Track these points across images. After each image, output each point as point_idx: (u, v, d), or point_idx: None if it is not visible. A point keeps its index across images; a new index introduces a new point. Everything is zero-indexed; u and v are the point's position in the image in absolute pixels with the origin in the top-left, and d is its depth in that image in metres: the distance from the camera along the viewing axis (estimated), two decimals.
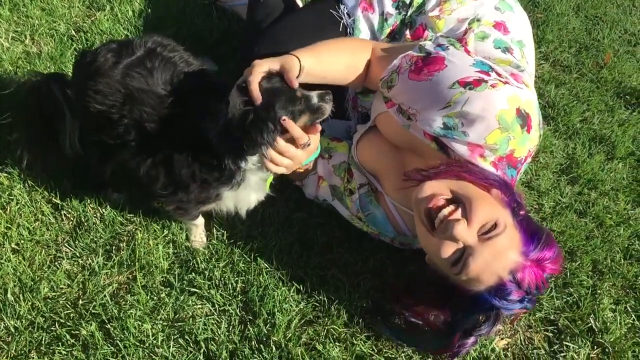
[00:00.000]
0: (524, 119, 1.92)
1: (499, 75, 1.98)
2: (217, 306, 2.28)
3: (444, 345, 2.07)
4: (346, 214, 2.50)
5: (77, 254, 2.39)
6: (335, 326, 2.25)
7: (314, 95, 1.95)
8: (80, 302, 2.24)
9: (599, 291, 2.46)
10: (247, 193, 2.22)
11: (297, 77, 1.95)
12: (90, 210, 2.53)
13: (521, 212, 1.92)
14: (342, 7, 2.61)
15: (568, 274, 2.50)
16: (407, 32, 2.46)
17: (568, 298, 2.43)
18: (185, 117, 2.06)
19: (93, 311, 2.21)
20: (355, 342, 2.21)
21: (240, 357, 2.14)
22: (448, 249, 1.86)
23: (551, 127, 3.22)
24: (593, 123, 3.26)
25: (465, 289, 1.91)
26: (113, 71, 2.13)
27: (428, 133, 2.02)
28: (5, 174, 2.60)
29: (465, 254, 1.83)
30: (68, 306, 2.23)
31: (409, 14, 2.49)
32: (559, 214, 2.76)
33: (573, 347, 2.27)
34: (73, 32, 3.36)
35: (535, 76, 3.38)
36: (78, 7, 3.53)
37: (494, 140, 1.91)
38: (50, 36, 3.32)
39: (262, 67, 1.91)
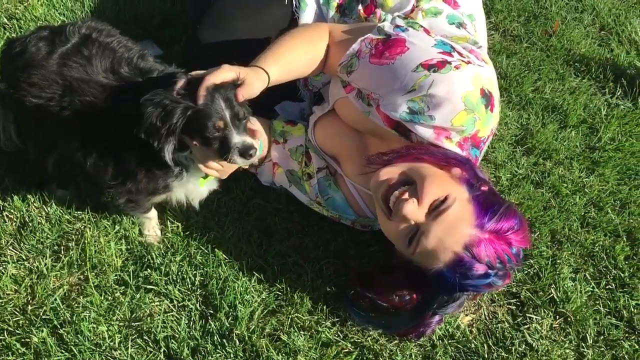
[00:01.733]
0: (487, 98, 1.90)
1: (461, 55, 1.95)
2: (175, 302, 2.20)
3: (412, 325, 2.05)
4: (305, 199, 2.44)
5: (23, 257, 2.27)
6: (299, 314, 2.21)
7: (238, 142, 1.82)
8: (30, 307, 2.13)
9: (558, 261, 2.48)
10: (196, 183, 2.13)
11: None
12: (34, 210, 2.40)
13: (482, 188, 1.90)
14: None
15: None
16: (360, 7, 2.39)
17: (529, 270, 2.45)
18: (128, 105, 1.95)
19: (44, 316, 2.10)
20: (320, 329, 2.17)
21: (203, 354, 2.07)
22: (402, 229, 1.87)
23: (504, 98, 3.21)
24: (545, 92, 3.27)
25: (427, 269, 1.88)
26: (48, 61, 2.01)
27: (390, 119, 1.98)
28: None
29: (418, 232, 1.84)
30: (17, 313, 2.11)
31: None
32: (516, 185, 2.77)
33: (536, 319, 2.29)
34: (5, 19, 3.16)
35: (487, 47, 3.38)
36: None
37: (461, 122, 1.89)
38: None
39: (226, 74, 1.83)
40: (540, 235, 2.56)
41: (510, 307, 2.35)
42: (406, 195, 1.86)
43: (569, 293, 2.36)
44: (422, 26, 2.10)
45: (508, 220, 1.81)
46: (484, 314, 2.31)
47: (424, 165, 1.92)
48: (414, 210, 1.83)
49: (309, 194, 2.42)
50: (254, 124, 2.12)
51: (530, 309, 2.33)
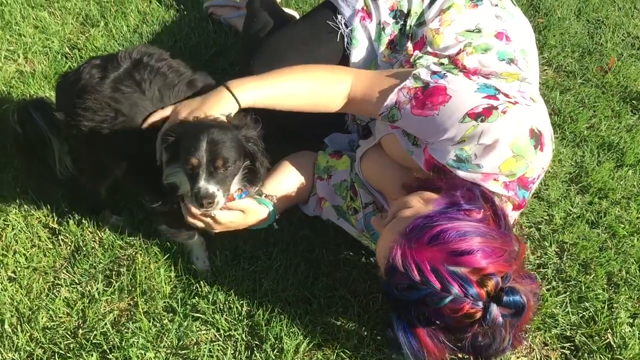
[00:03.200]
0: (537, 138, 1.86)
1: (507, 96, 1.91)
2: (222, 331, 2.20)
3: None
4: (353, 231, 2.42)
5: (76, 281, 2.32)
6: (345, 349, 2.18)
7: (200, 187, 1.80)
8: (81, 331, 2.16)
9: (615, 305, 2.39)
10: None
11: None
12: (88, 234, 2.46)
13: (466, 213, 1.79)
14: (339, 17, 2.54)
15: (583, 288, 2.42)
16: (409, 43, 2.39)
17: (584, 313, 2.36)
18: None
19: (94, 341, 2.13)
20: None
21: None
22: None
23: (558, 134, 3.15)
24: (600, 130, 3.19)
25: None
26: (101, 86, 2.08)
27: (430, 162, 1.97)
28: (0, 199, 2.52)
29: None
30: (68, 336, 2.15)
31: (408, 23, 2.41)
32: (570, 224, 2.69)
33: None
34: (67, 49, 3.30)
35: (540, 82, 3.33)
36: (72, 23, 3.47)
37: (509, 168, 1.86)
38: (44, 54, 3.25)
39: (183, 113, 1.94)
40: (595, 278, 2.47)
41: (564, 351, 2.26)
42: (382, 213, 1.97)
43: (626, 339, 2.26)
44: (461, 71, 2.07)
45: (450, 236, 1.66)
46: (536, 358, 2.23)
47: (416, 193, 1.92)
48: (376, 220, 1.95)
49: (355, 227, 2.40)
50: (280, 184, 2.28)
51: (585, 354, 2.23)
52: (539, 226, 2.68)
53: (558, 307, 2.35)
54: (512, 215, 1.99)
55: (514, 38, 2.30)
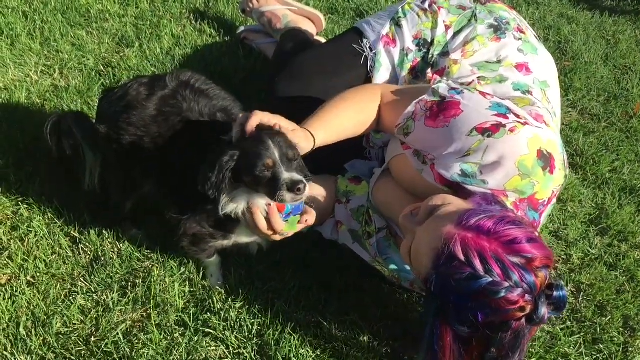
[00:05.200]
0: (546, 160, 1.88)
1: (517, 116, 1.94)
2: (231, 348, 2.21)
3: None
4: (367, 257, 2.43)
5: (92, 289, 2.35)
6: None
7: (287, 178, 1.83)
8: (93, 339, 2.19)
9: (630, 349, 2.35)
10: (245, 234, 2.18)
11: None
12: (107, 245, 2.50)
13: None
14: (364, 41, 2.61)
15: (598, 329, 2.39)
16: (429, 70, 2.45)
17: (598, 355, 2.32)
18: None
19: (105, 349, 2.15)
20: None
21: None
22: (404, 244, 1.89)
23: (579, 176, 3.14)
24: (623, 173, 3.18)
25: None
26: (147, 103, 2.16)
27: (442, 177, 1.98)
28: (25, 206, 2.59)
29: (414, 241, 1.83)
30: (80, 343, 2.18)
31: (431, 52, 2.47)
32: (588, 265, 2.66)
33: None
34: (102, 67, 3.41)
35: (563, 123, 3.34)
36: (108, 43, 3.59)
37: (514, 186, 1.88)
38: (79, 71, 3.37)
39: (279, 121, 1.96)
40: (612, 320, 2.43)
41: None
42: (411, 211, 1.93)
43: None
44: (477, 90, 2.11)
45: (502, 226, 1.66)
46: None
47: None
48: (405, 218, 1.90)
49: (369, 252, 2.41)
50: (313, 188, 2.20)
51: None
52: (556, 265, 2.66)
53: (572, 348, 2.32)
54: None
55: (535, 70, 2.33)
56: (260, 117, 1.94)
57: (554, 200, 2.04)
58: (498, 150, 1.85)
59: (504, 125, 1.87)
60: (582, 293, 2.54)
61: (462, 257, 1.61)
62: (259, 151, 1.84)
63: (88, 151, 2.40)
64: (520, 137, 1.86)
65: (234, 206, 1.97)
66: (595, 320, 2.43)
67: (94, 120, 2.42)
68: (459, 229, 1.66)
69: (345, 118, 2.22)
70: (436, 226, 1.73)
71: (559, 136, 2.06)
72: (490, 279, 1.58)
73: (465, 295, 1.62)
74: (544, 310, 1.59)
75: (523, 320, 1.61)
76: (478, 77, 2.26)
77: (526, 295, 1.58)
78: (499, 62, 2.32)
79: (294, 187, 1.81)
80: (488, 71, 2.30)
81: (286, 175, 1.84)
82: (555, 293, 1.62)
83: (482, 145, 1.87)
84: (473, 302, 1.62)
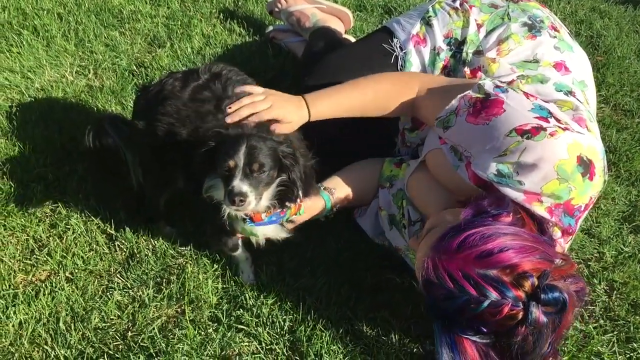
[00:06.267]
0: (586, 166, 1.85)
1: (558, 120, 1.92)
2: (264, 344, 2.24)
3: None
4: (402, 244, 2.43)
5: (129, 285, 2.41)
6: None
7: (234, 185, 1.87)
8: (130, 334, 2.25)
9: None
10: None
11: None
12: (142, 242, 2.56)
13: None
14: (394, 40, 2.62)
15: (632, 328, 2.36)
16: (467, 69, 2.43)
17: (631, 354, 2.29)
18: None
19: (141, 344, 2.21)
20: None
21: None
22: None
23: (612, 173, 3.10)
24: None
25: None
26: (182, 93, 2.22)
27: (477, 177, 1.97)
28: (63, 204, 2.66)
29: None
30: (117, 337, 2.24)
31: (464, 50, 2.46)
32: (621, 263, 2.63)
33: None
34: (134, 67, 3.47)
35: (597, 119, 3.30)
36: (140, 43, 3.66)
37: (552, 190, 1.85)
38: (113, 71, 3.44)
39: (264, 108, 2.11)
40: None
41: None
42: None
43: None
44: (522, 91, 2.09)
45: (472, 240, 1.67)
46: None
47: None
48: (412, 240, 2.04)
49: (405, 240, 2.43)
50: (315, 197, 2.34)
51: None
52: (589, 263, 2.63)
53: (605, 346, 2.30)
54: (561, 243, 1.98)
55: (573, 69, 2.31)
56: (245, 113, 2.06)
57: (591, 206, 2.02)
58: (536, 153, 1.84)
59: (545, 129, 1.85)
60: (615, 291, 2.52)
61: (435, 280, 1.68)
62: (228, 150, 1.89)
63: (128, 152, 2.47)
64: (560, 142, 1.84)
65: (215, 192, 2.04)
66: (629, 319, 2.40)
67: (131, 118, 2.48)
68: (432, 253, 1.72)
69: (358, 97, 2.28)
70: (421, 252, 1.83)
71: (600, 141, 2.03)
72: (466, 297, 1.63)
73: (453, 313, 1.68)
74: (536, 314, 1.61)
75: (521, 327, 1.63)
76: (518, 76, 2.24)
77: (511, 304, 1.61)
78: (536, 61, 2.30)
79: (231, 196, 1.85)
80: (527, 70, 2.28)
81: (235, 182, 1.87)
82: (544, 296, 1.61)
83: (520, 146, 1.86)
84: (462, 318, 1.68)
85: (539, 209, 1.89)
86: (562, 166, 1.82)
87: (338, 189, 2.48)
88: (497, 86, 2.08)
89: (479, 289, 1.62)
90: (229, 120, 2.07)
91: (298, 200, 2.07)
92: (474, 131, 2.00)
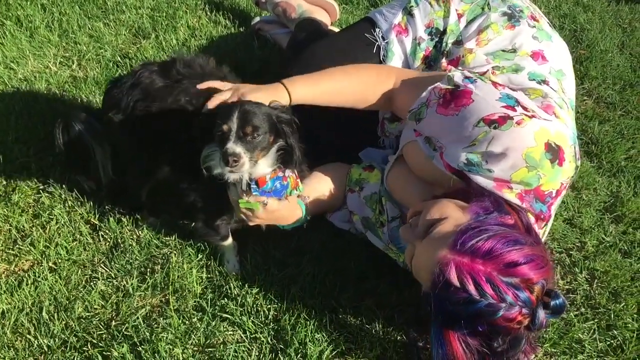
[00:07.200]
0: (554, 152, 1.87)
1: (525, 108, 1.94)
2: (248, 333, 2.25)
3: None
4: (380, 244, 2.46)
5: (112, 275, 2.41)
6: (368, 359, 2.20)
7: (228, 147, 1.91)
8: (113, 323, 2.24)
9: None
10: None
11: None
12: (127, 232, 2.55)
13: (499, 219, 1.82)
14: (377, 30, 2.63)
15: (612, 316, 2.40)
16: (444, 60, 2.45)
17: (612, 341, 2.33)
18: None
19: (125, 333, 2.20)
20: None
21: None
22: (407, 254, 1.91)
23: (594, 164, 3.14)
24: (638, 161, 3.17)
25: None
26: (159, 84, 2.27)
27: (449, 166, 1.99)
28: (47, 194, 2.65)
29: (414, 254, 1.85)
30: (101, 327, 2.23)
31: (444, 40, 2.48)
32: (602, 252, 2.67)
33: None
34: (119, 58, 3.45)
35: (579, 112, 3.34)
36: (124, 34, 3.64)
37: (521, 177, 1.88)
38: (97, 62, 3.42)
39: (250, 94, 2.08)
40: (626, 307, 2.44)
41: None
42: (410, 221, 1.95)
43: None
44: (490, 80, 2.11)
45: (499, 247, 1.67)
46: None
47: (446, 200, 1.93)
48: (406, 230, 1.93)
49: (382, 240, 2.44)
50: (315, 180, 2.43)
51: None
52: (570, 252, 2.67)
53: (585, 334, 2.33)
54: (535, 229, 1.99)
55: (551, 58, 2.33)
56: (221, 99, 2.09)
57: (564, 192, 2.04)
58: (504, 142, 1.86)
59: (511, 118, 1.88)
60: (596, 280, 2.55)
61: (457, 284, 1.64)
62: (223, 115, 1.94)
63: (97, 146, 2.44)
64: (526, 130, 1.86)
65: (212, 163, 2.05)
66: (610, 307, 2.44)
67: (103, 112, 2.46)
68: (453, 254, 1.68)
69: (338, 83, 2.29)
70: (433, 249, 1.75)
71: (571, 127, 2.05)
72: (486, 302, 1.62)
73: (464, 316, 1.67)
74: (541, 319, 1.65)
75: (522, 328, 1.67)
76: (493, 67, 2.27)
77: (523, 310, 1.63)
78: (514, 50, 2.33)
79: (225, 157, 1.89)
80: (504, 60, 2.31)
81: (229, 144, 1.91)
82: (552, 302, 1.66)
83: (488, 136, 1.88)
84: (472, 321, 1.68)
85: (509, 196, 1.91)
86: (530, 154, 1.84)
87: (310, 196, 2.46)
88: (466, 77, 2.10)
89: (500, 295, 1.62)
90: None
91: (299, 163, 2.13)
92: (444, 122, 2.02)
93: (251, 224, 2.26)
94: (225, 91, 2.14)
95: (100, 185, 2.54)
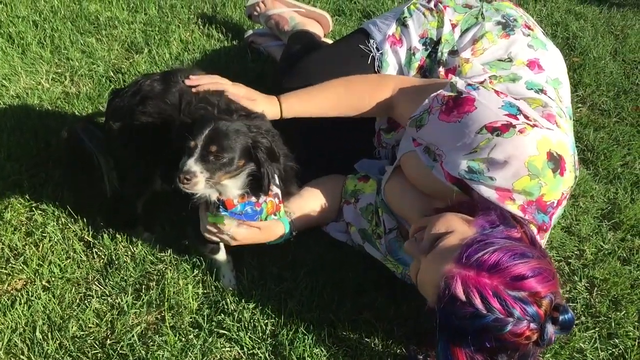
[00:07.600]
0: (556, 162, 1.87)
1: (527, 117, 1.93)
2: (245, 349, 2.21)
3: None
4: (378, 255, 2.44)
5: (107, 293, 2.37)
6: None
7: (183, 163, 1.88)
8: (108, 341, 2.21)
9: None
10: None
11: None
12: (121, 249, 2.52)
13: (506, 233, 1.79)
14: (371, 41, 2.63)
15: (613, 324, 2.37)
16: (441, 69, 2.45)
17: (613, 350, 2.30)
18: None
19: (120, 351, 2.17)
20: None
21: None
22: (412, 268, 1.89)
23: (591, 171, 3.13)
24: (635, 167, 3.17)
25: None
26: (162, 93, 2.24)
27: (451, 175, 1.97)
28: (39, 211, 2.62)
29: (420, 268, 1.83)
30: (96, 346, 2.19)
31: (439, 50, 2.48)
32: (601, 260, 2.65)
33: None
34: (112, 73, 3.44)
35: (573, 119, 3.32)
36: (117, 49, 3.63)
37: (523, 186, 1.86)
38: (89, 77, 3.40)
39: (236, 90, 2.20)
40: (626, 315, 2.42)
41: None
42: (415, 236, 1.93)
43: None
44: (492, 89, 2.11)
45: (505, 261, 1.64)
46: None
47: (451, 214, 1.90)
48: (411, 245, 1.90)
49: (380, 251, 2.42)
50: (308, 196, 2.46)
51: None
52: (569, 260, 2.65)
53: (587, 343, 2.31)
54: (538, 240, 1.98)
55: (547, 67, 2.33)
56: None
57: (564, 202, 2.03)
58: (506, 150, 1.85)
59: (514, 126, 1.87)
60: (596, 288, 2.53)
61: (463, 298, 1.62)
62: (197, 128, 1.90)
63: (101, 157, 2.43)
64: (529, 138, 1.85)
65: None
66: (610, 315, 2.41)
67: (104, 121, 2.45)
68: (459, 268, 1.66)
69: (333, 96, 2.34)
70: (438, 263, 1.72)
71: (570, 137, 2.05)
72: (493, 317, 1.59)
73: (471, 331, 1.64)
74: (550, 335, 1.61)
75: (530, 344, 1.64)
76: (490, 77, 2.27)
77: (531, 324, 1.60)
78: (510, 59, 2.33)
79: (178, 172, 1.86)
80: (500, 69, 2.31)
81: (188, 161, 1.87)
82: (561, 317, 1.62)
83: (490, 143, 1.87)
84: (479, 336, 1.64)
85: (512, 207, 1.90)
86: (532, 162, 1.83)
87: (300, 211, 2.46)
88: (468, 84, 2.09)
89: (508, 309, 1.59)
90: (187, 82, 2.17)
91: (267, 193, 2.08)
92: (446, 129, 2.01)
93: (233, 244, 2.26)
94: (216, 83, 2.23)
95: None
